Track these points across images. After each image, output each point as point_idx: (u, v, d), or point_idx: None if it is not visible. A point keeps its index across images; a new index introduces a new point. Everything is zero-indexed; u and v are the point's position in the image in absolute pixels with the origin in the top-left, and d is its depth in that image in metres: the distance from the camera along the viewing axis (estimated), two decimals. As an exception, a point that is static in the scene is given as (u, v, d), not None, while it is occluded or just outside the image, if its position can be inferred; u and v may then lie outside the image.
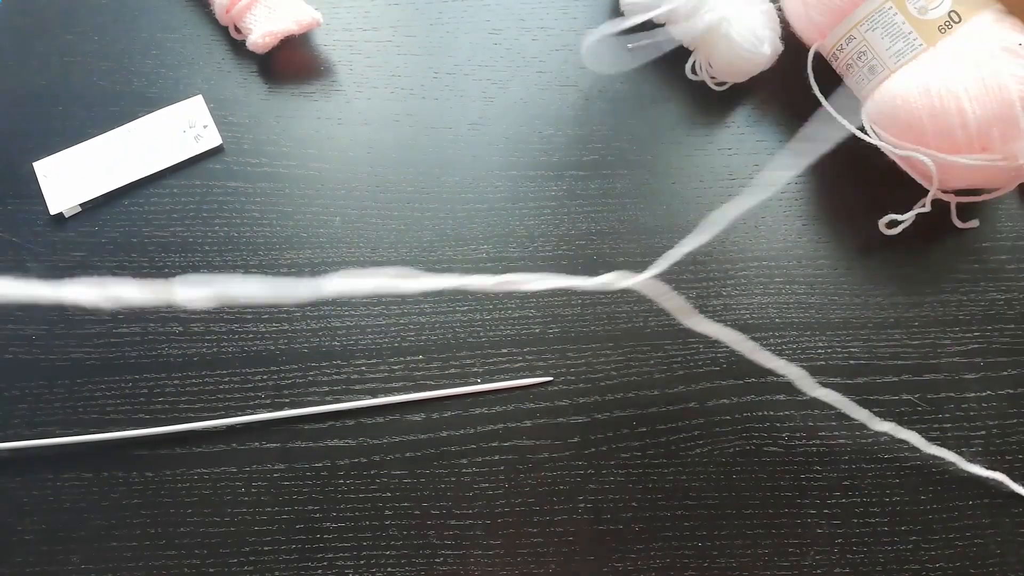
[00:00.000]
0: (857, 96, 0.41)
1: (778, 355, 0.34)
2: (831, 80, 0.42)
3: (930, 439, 0.37)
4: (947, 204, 0.41)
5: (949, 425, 0.38)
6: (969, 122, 0.35)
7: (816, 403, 0.38)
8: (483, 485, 0.36)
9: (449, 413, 0.37)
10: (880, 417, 0.37)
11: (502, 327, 0.39)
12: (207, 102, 0.42)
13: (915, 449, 0.37)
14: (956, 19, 0.36)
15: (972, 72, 0.35)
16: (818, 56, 0.43)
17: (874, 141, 0.39)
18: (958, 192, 0.40)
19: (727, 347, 0.38)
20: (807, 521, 0.36)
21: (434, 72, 0.45)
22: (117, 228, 0.40)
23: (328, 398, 0.37)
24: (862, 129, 0.39)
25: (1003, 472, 0.37)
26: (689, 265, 0.40)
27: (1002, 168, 0.36)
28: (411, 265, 0.40)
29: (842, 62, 0.41)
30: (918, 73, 0.37)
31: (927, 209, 0.40)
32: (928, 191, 0.39)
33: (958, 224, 0.42)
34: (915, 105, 0.36)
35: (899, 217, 0.41)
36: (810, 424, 0.37)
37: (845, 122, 0.40)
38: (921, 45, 0.37)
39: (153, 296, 0.20)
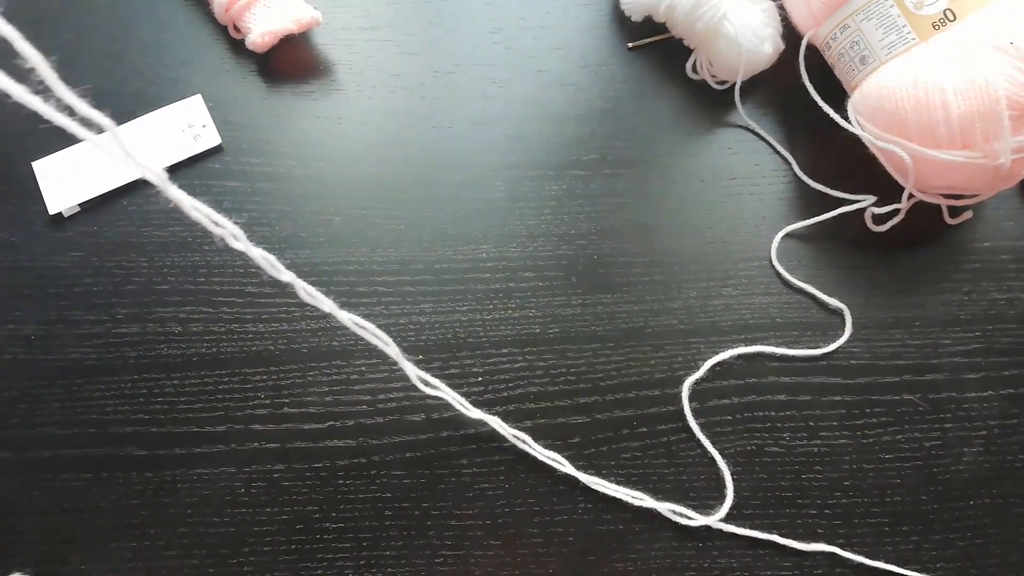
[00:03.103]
0: (845, 87, 0.41)
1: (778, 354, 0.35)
2: (829, 78, 0.42)
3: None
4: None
5: (950, 425, 0.38)
6: (952, 116, 0.35)
7: (818, 403, 0.38)
8: (483, 485, 0.36)
9: (449, 413, 0.37)
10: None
11: (502, 327, 0.39)
12: (206, 101, 0.42)
13: (917, 448, 0.37)
14: (951, 17, 0.36)
15: (961, 68, 0.35)
16: (816, 52, 0.43)
17: (857, 132, 0.39)
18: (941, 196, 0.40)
19: (729, 347, 0.39)
20: (807, 521, 0.36)
21: (434, 71, 0.45)
22: (116, 228, 0.40)
23: (328, 398, 0.37)
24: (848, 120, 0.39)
25: (1006, 473, 0.37)
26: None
27: (981, 167, 0.36)
28: (411, 265, 0.40)
29: (834, 51, 0.41)
30: (907, 66, 0.37)
31: (903, 206, 0.40)
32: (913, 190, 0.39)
33: (949, 221, 0.42)
34: (900, 96, 0.36)
35: (877, 210, 0.41)
36: (811, 424, 0.37)
37: (831, 111, 0.40)
38: (914, 39, 0.37)
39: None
